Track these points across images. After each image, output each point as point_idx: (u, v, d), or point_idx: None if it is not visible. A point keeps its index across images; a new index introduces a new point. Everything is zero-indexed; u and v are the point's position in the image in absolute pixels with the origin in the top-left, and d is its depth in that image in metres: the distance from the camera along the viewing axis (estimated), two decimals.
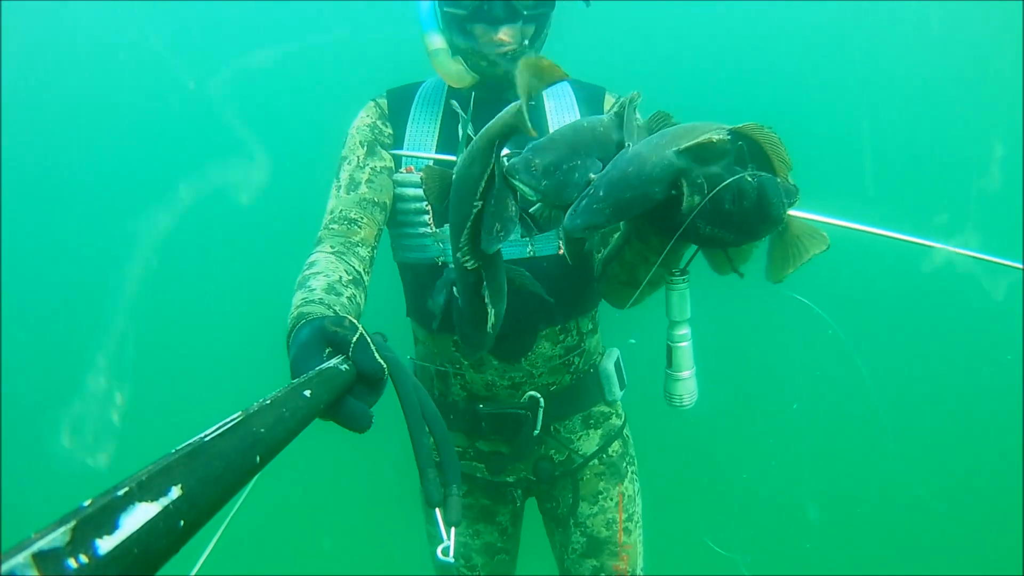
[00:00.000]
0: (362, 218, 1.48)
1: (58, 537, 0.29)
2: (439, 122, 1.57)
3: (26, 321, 5.74)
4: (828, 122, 5.81)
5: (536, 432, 1.63)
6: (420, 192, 1.52)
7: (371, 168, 1.54)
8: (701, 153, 0.94)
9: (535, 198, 1.03)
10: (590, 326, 1.71)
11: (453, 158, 1.40)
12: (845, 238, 1.12)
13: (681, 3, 5.49)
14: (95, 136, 5.95)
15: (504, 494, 1.74)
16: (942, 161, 5.64)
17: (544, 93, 1.62)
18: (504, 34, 1.44)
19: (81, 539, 0.30)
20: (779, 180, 1.02)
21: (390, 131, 1.59)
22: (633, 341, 2.12)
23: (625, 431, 1.83)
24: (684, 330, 1.33)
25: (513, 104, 0.97)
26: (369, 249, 1.46)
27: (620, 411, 1.83)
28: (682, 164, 0.95)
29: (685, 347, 1.34)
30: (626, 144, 1.01)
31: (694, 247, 1.21)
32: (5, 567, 0.27)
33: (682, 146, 0.93)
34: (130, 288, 6.03)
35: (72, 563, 0.29)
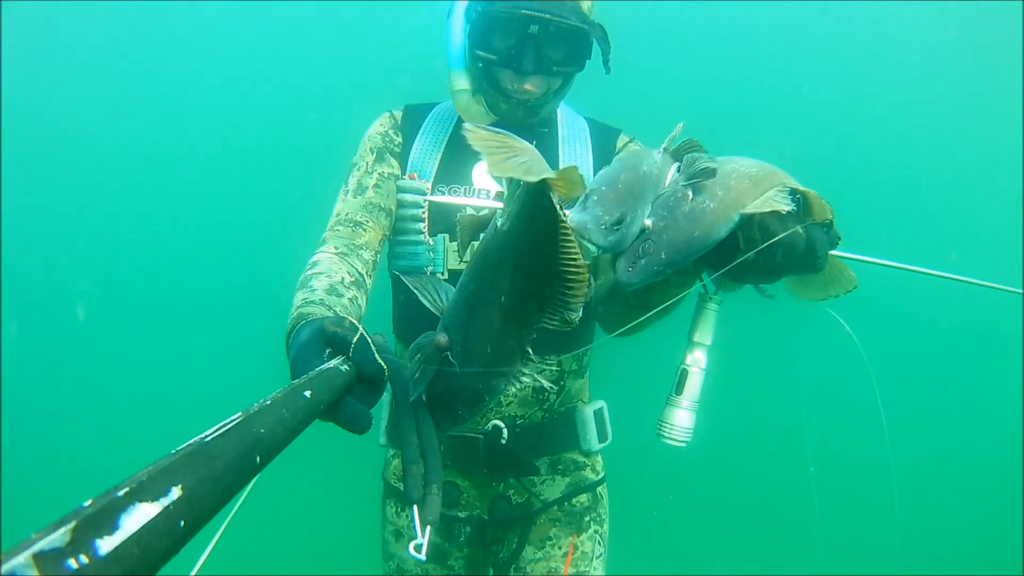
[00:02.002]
0: (367, 222, 1.49)
1: (59, 537, 0.29)
2: (445, 142, 1.59)
3: (27, 322, 5.74)
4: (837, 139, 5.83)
5: (504, 443, 1.53)
6: (418, 199, 1.53)
7: (379, 174, 1.56)
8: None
9: (597, 253, 0.96)
10: (574, 367, 1.64)
11: (484, 202, 1.40)
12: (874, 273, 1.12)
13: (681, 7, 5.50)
14: (95, 137, 5.95)
15: (451, 529, 1.62)
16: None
17: (560, 120, 1.64)
18: (531, 84, 1.45)
19: (82, 539, 0.30)
20: (825, 229, 1.04)
21: (400, 140, 1.61)
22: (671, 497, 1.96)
23: (600, 490, 1.71)
24: (700, 355, 1.23)
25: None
26: (373, 253, 1.47)
27: (598, 467, 1.71)
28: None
29: (697, 374, 1.23)
30: (668, 183, 0.99)
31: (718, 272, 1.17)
32: (6, 567, 0.27)
33: (749, 211, 0.93)
34: (131, 289, 6.03)
35: (72, 563, 0.29)
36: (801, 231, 0.97)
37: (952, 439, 5.37)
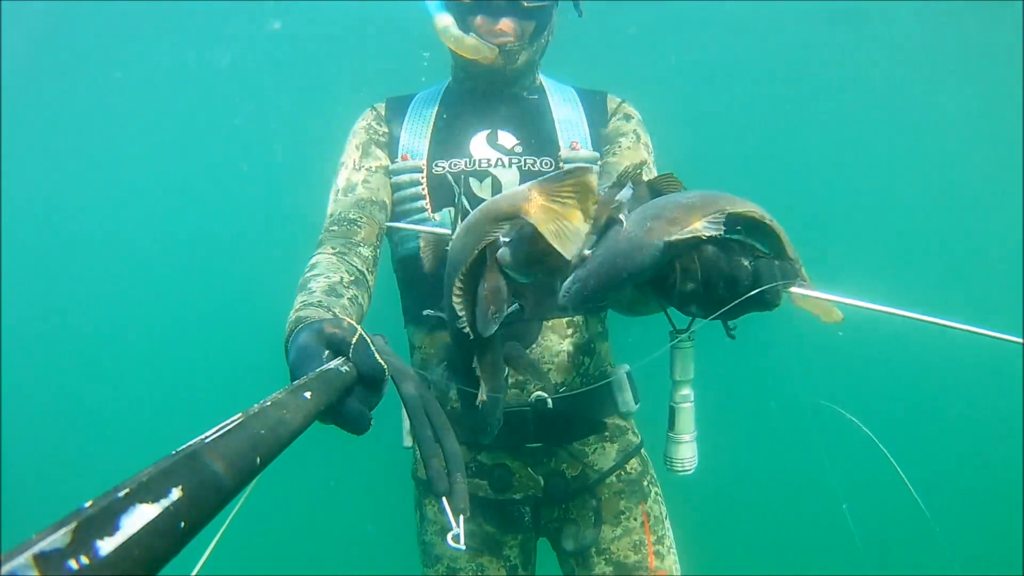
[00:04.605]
0: (361, 218, 1.49)
1: (59, 538, 0.29)
2: (432, 120, 1.61)
3: (27, 321, 5.74)
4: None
5: (550, 407, 1.52)
6: (416, 177, 1.55)
7: (367, 169, 1.57)
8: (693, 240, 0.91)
9: (527, 280, 1.02)
10: (599, 328, 1.65)
11: (448, 232, 1.39)
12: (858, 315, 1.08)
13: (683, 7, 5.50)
14: (93, 137, 5.95)
15: (510, 514, 1.59)
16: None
17: (547, 88, 1.66)
18: (504, 25, 1.47)
19: (82, 540, 0.30)
20: (778, 262, 0.97)
21: (385, 130, 1.64)
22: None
23: (644, 452, 1.71)
24: (687, 391, 1.29)
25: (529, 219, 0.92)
26: (371, 249, 1.47)
27: (636, 431, 1.71)
28: (675, 250, 0.92)
29: (688, 408, 1.30)
30: (622, 217, 0.97)
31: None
32: (6, 568, 0.27)
33: (672, 238, 0.90)
34: (131, 290, 6.03)
35: (73, 564, 0.29)
36: (747, 263, 0.91)
37: (951, 440, 5.37)
